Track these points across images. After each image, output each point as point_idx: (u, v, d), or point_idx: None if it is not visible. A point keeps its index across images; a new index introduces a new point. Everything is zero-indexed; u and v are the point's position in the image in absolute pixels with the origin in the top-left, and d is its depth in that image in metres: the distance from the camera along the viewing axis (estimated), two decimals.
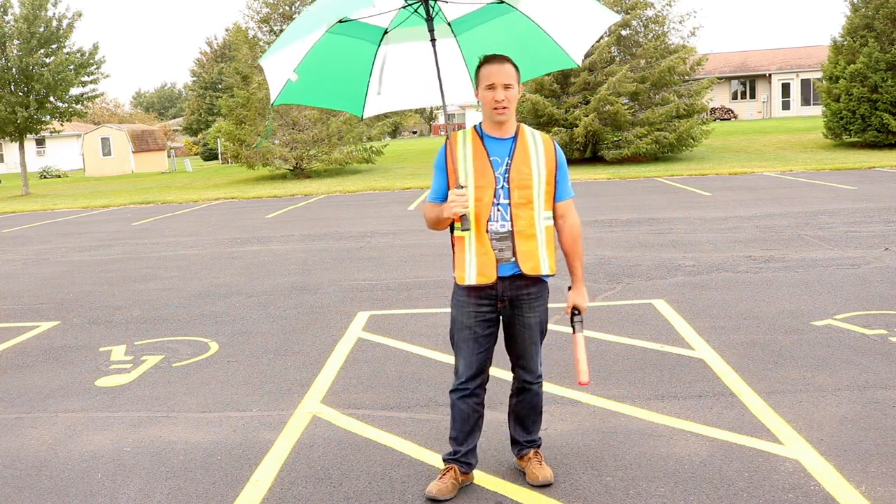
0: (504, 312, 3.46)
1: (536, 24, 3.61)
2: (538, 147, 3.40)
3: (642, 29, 28.35)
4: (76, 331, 7.18)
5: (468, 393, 3.51)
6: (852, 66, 26.26)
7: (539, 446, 3.73)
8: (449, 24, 3.75)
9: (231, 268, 10.29)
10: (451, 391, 3.57)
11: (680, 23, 28.99)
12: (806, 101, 48.73)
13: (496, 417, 4.24)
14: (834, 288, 7.13)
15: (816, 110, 42.20)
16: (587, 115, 26.28)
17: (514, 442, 3.73)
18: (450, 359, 5.56)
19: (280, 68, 3.56)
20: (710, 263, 8.60)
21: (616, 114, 26.42)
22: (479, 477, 3.70)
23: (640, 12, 27.72)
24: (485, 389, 3.58)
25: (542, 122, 27.63)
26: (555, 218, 3.49)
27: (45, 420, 4.85)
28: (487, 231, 3.34)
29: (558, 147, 3.47)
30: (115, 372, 5.78)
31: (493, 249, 3.34)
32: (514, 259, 3.36)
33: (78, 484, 3.91)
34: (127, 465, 4.10)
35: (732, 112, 49.46)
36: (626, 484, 3.57)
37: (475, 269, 3.37)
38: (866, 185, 16.13)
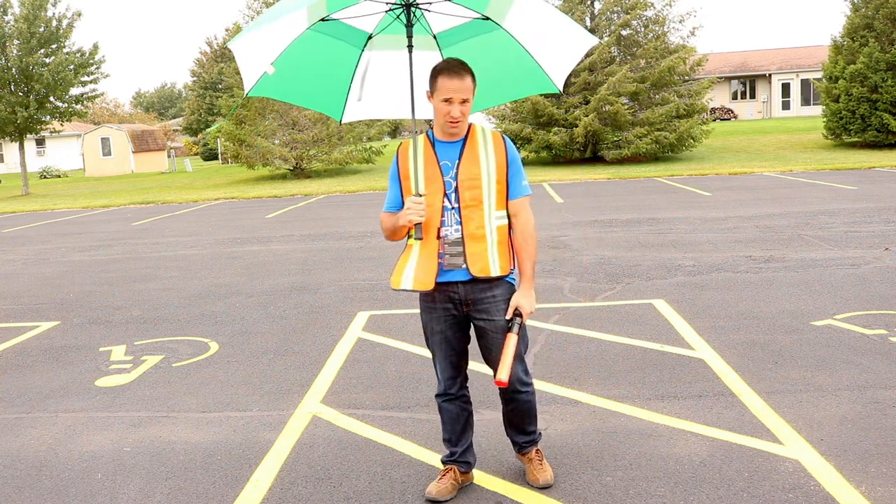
0: (472, 318, 3.40)
1: (521, 45, 3.57)
2: (488, 146, 3.34)
3: (642, 29, 28.36)
4: (76, 331, 7.18)
5: (453, 396, 3.53)
6: (852, 66, 26.28)
7: (538, 443, 3.68)
8: (434, 36, 3.72)
9: (231, 268, 10.29)
10: (436, 395, 3.58)
11: (680, 23, 29.04)
12: (806, 101, 48.73)
13: (496, 417, 4.23)
14: (834, 288, 7.13)
15: (816, 110, 42.21)
16: (587, 115, 26.30)
17: (514, 443, 3.69)
18: None
19: (253, 55, 3.47)
20: (710, 263, 8.60)
21: (616, 114, 26.44)
22: (479, 477, 3.70)
23: (640, 12, 27.74)
24: (467, 388, 3.58)
25: (542, 122, 27.66)
26: (508, 217, 3.40)
27: (45, 420, 4.85)
28: (440, 237, 3.31)
29: (509, 143, 3.39)
30: (115, 372, 5.78)
31: (445, 255, 3.29)
32: (464, 265, 3.29)
33: (78, 484, 3.91)
34: (127, 465, 4.10)
35: (732, 112, 49.46)
36: (626, 484, 3.57)
37: (413, 273, 3.32)
38: (866, 185, 16.13)
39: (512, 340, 3.28)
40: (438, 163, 3.33)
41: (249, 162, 31.00)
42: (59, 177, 48.74)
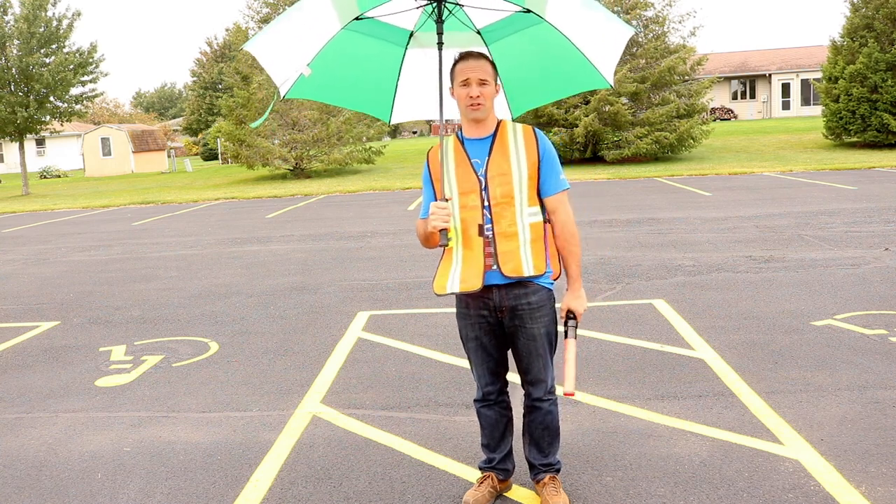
0: (506, 323, 3.27)
1: (567, 39, 3.38)
2: (518, 139, 3.19)
3: (642, 29, 28.34)
4: (76, 331, 7.18)
5: (491, 402, 3.42)
6: (851, 66, 26.27)
7: (557, 471, 3.47)
8: (479, 32, 3.56)
9: (231, 268, 10.29)
10: (475, 401, 3.48)
11: (680, 23, 29.03)
12: (806, 101, 48.74)
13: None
14: (834, 288, 7.13)
15: (816, 110, 42.21)
16: (587, 116, 26.29)
17: (530, 466, 3.49)
18: (450, 359, 5.57)
19: (279, 55, 3.32)
20: (710, 263, 8.60)
21: (616, 114, 26.44)
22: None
23: (640, 12, 27.74)
24: (507, 393, 3.46)
25: (542, 123, 27.65)
26: (543, 214, 3.25)
27: (45, 420, 4.85)
28: (482, 235, 3.16)
29: (541, 136, 3.22)
30: (115, 372, 5.78)
31: (484, 255, 3.15)
32: (495, 265, 3.15)
33: (78, 484, 3.91)
34: (127, 465, 4.10)
35: (732, 112, 49.47)
36: (626, 484, 3.57)
37: (459, 276, 3.18)
38: (866, 185, 16.13)
39: (571, 347, 3.22)
40: (470, 160, 3.20)
41: (249, 162, 31.00)
42: (59, 177, 48.73)
